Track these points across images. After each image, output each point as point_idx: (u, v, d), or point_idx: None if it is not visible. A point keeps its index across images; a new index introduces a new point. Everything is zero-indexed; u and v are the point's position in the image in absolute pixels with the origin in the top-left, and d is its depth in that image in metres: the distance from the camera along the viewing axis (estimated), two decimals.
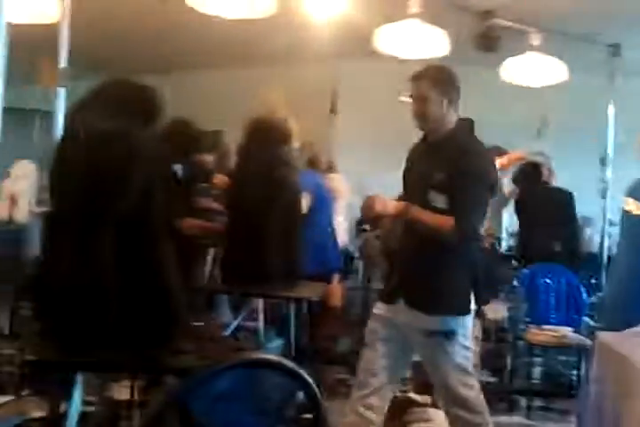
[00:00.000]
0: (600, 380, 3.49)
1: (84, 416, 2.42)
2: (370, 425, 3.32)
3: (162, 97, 2.64)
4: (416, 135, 9.81)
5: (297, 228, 4.36)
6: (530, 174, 6.54)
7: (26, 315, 3.29)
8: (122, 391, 4.28)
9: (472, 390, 3.30)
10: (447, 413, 3.40)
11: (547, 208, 6.24)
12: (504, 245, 7.71)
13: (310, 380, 1.87)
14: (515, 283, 6.51)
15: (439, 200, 3.13)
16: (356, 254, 9.90)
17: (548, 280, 5.48)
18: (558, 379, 5.81)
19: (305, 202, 5.06)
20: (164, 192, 2.33)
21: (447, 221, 3.07)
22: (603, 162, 6.66)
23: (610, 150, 6.66)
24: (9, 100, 3.60)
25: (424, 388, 5.35)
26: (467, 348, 3.30)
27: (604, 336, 3.65)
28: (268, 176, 4.08)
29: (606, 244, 6.85)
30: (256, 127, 4.18)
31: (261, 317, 4.93)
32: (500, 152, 6.70)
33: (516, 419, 4.81)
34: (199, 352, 2.30)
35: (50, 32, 5.40)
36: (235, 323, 4.56)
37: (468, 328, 3.33)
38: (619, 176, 6.79)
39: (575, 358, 5.38)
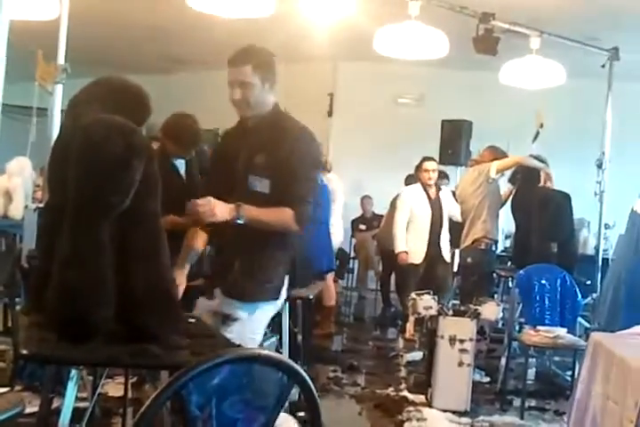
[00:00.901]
0: (589, 380, 3.51)
1: (76, 412, 2.42)
2: None
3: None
4: (414, 135, 9.77)
5: None
6: (527, 175, 6.56)
7: (20, 310, 3.29)
8: (115, 388, 4.30)
9: None
10: None
11: (544, 209, 6.25)
12: (500, 247, 7.73)
13: (307, 376, 1.88)
14: (510, 284, 6.55)
15: (260, 185, 3.00)
16: (352, 254, 9.94)
17: (543, 281, 5.49)
18: (552, 380, 5.83)
19: None
20: (161, 189, 2.33)
21: (286, 214, 2.94)
22: (599, 165, 6.68)
23: (607, 154, 6.68)
24: (5, 96, 3.60)
25: (418, 387, 5.38)
26: (251, 338, 3.12)
27: (598, 337, 3.67)
28: None
29: (602, 246, 6.88)
30: None
31: None
32: (498, 153, 6.72)
33: (510, 419, 4.82)
34: (193, 348, 2.30)
35: (48, 29, 5.40)
36: None
37: (260, 315, 3.16)
38: (615, 179, 6.83)
39: (569, 359, 5.39)
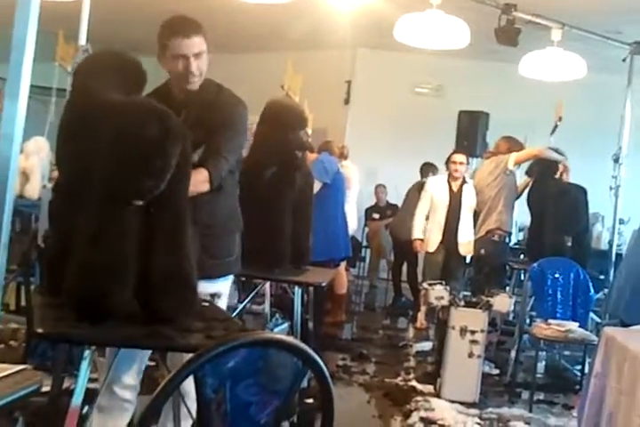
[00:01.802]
0: (603, 374, 3.50)
1: (87, 393, 2.43)
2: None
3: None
4: (431, 125, 9.74)
5: (308, 212, 4.37)
6: (544, 168, 6.53)
7: (35, 289, 3.30)
8: None
9: None
10: None
11: (560, 203, 6.22)
12: (513, 239, 7.71)
13: (321, 362, 1.88)
14: (522, 276, 6.54)
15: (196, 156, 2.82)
16: (365, 243, 9.94)
17: (556, 275, 5.47)
18: (562, 373, 5.82)
19: (316, 186, 5.06)
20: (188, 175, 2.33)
21: (197, 177, 2.73)
22: (616, 160, 6.65)
23: (624, 148, 6.65)
24: None
25: (427, 377, 5.39)
26: None
27: (611, 332, 3.66)
28: (282, 159, 4.08)
29: (615, 241, 6.86)
30: (272, 110, 4.16)
31: (268, 300, 4.95)
32: (513, 143, 6.69)
33: (518, 412, 4.81)
34: (207, 331, 2.31)
35: (68, 10, 5.41)
36: (241, 306, 4.57)
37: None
38: (631, 174, 6.80)
39: (580, 354, 5.38)
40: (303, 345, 1.88)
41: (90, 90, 2.37)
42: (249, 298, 4.63)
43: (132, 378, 2.95)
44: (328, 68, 10.39)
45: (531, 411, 4.85)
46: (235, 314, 4.25)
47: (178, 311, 2.31)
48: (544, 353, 5.89)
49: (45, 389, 2.88)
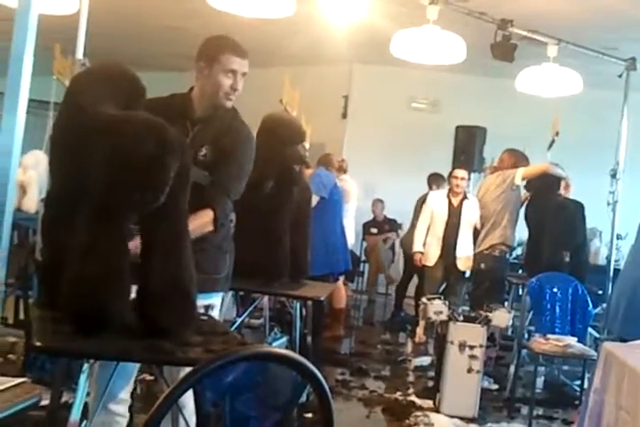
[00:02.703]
0: (602, 390, 3.49)
1: (85, 407, 2.42)
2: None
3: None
4: (428, 140, 9.78)
5: (306, 227, 4.36)
6: (542, 183, 6.54)
7: (33, 302, 3.29)
8: None
9: None
10: None
11: (557, 218, 6.23)
12: (512, 254, 7.71)
13: (321, 376, 1.87)
14: (521, 291, 6.52)
15: (200, 176, 2.86)
16: (363, 258, 9.93)
17: (554, 290, 5.47)
18: (561, 388, 5.80)
19: (313, 201, 5.07)
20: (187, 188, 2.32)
21: (204, 219, 2.83)
22: (613, 175, 6.66)
23: (621, 164, 6.66)
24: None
25: (426, 392, 5.37)
26: None
27: (610, 347, 3.65)
28: (280, 173, 4.08)
29: (613, 256, 6.85)
30: (270, 124, 4.17)
31: (266, 314, 4.94)
32: (519, 156, 6.69)
33: None
34: (206, 345, 2.29)
35: (65, 24, 5.42)
36: (239, 320, 4.56)
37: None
38: (628, 190, 6.81)
39: (579, 369, 5.37)
40: (303, 359, 1.86)
41: (83, 103, 2.35)
42: (247, 312, 4.62)
43: (126, 393, 2.96)
44: (325, 82, 10.42)
45: (530, 426, 4.83)
46: (233, 328, 4.24)
47: (178, 323, 2.30)
48: (543, 368, 5.88)
49: (44, 402, 2.88)
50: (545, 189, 6.46)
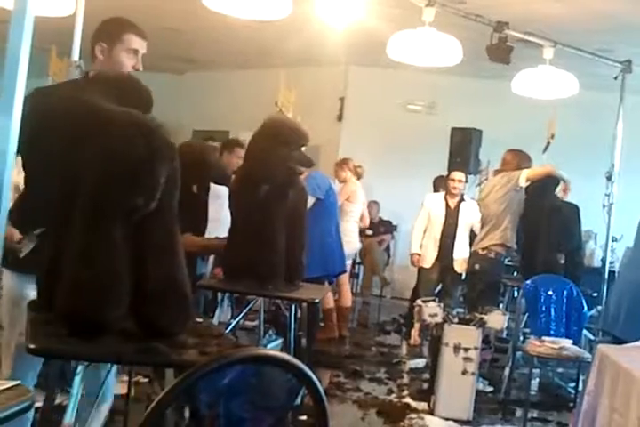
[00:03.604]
0: (596, 392, 3.49)
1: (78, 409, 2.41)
2: None
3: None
4: (424, 142, 9.75)
5: (302, 229, 4.36)
6: (538, 185, 6.53)
7: (28, 305, 3.28)
8: (119, 386, 4.29)
9: None
10: None
11: (552, 220, 6.23)
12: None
13: (316, 379, 1.86)
14: (515, 293, 6.53)
15: None
16: (358, 260, 9.93)
17: (549, 292, 5.48)
18: (556, 391, 5.81)
19: (310, 202, 5.07)
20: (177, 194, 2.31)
21: None
22: (609, 177, 6.66)
23: (617, 166, 6.67)
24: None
25: (421, 394, 5.37)
26: None
27: (605, 349, 3.65)
28: (281, 176, 4.07)
29: (608, 259, 6.86)
30: (273, 128, 4.14)
31: (261, 316, 4.94)
32: (522, 156, 6.68)
33: None
34: (201, 347, 2.29)
35: (61, 26, 5.41)
36: (234, 322, 4.56)
37: None
38: (624, 192, 6.81)
39: (573, 371, 5.38)
40: (297, 362, 1.86)
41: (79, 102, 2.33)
42: (242, 314, 4.62)
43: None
44: (321, 84, 10.42)
45: None
46: (228, 330, 4.24)
47: (174, 325, 2.30)
48: (538, 370, 5.88)
49: (37, 404, 2.87)
50: (540, 191, 6.45)
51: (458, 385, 4.92)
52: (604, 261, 6.86)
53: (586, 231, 7.37)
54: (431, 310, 5.13)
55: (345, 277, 7.24)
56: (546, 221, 6.25)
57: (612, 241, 7.07)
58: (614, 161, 6.69)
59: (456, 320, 5.06)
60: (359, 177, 7.79)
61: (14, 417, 1.71)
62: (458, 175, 7.16)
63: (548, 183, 6.44)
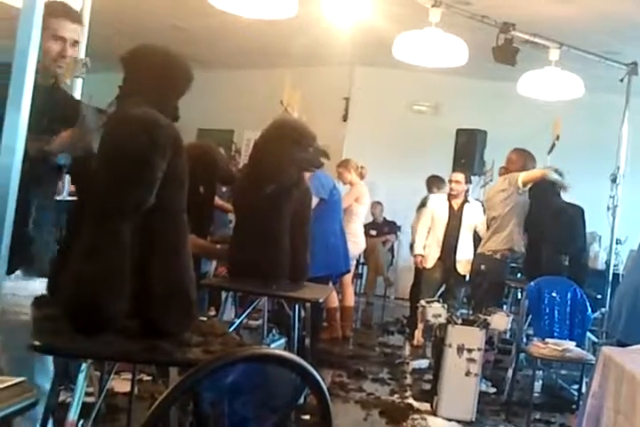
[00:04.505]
0: (600, 394, 3.48)
1: (83, 407, 2.42)
2: None
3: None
4: (429, 143, 9.74)
5: (306, 228, 4.35)
6: (542, 187, 6.52)
7: (33, 301, 3.29)
8: (121, 384, 4.30)
9: None
10: None
11: (557, 222, 6.21)
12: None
13: (320, 378, 1.86)
14: (519, 295, 6.52)
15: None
16: (362, 260, 9.92)
17: (553, 294, 5.47)
18: (559, 393, 5.81)
19: (313, 203, 5.06)
20: (183, 188, 2.31)
21: None
22: (614, 179, 6.66)
23: (622, 168, 6.66)
24: None
25: (424, 395, 5.36)
26: None
27: (608, 351, 3.64)
28: (288, 176, 4.07)
29: (612, 261, 6.85)
30: (282, 129, 4.14)
31: (265, 316, 4.93)
32: (527, 156, 6.65)
33: None
34: (205, 346, 2.29)
35: None
36: (238, 321, 4.56)
37: None
38: (628, 194, 6.80)
39: (577, 373, 5.37)
40: (302, 361, 1.86)
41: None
42: (246, 313, 4.62)
43: None
44: (326, 84, 10.42)
45: None
46: (232, 329, 4.24)
47: (178, 324, 2.30)
48: (541, 372, 5.88)
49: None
50: (543, 193, 6.44)
51: (461, 386, 4.91)
52: (608, 263, 6.86)
53: (590, 233, 7.36)
54: (435, 310, 5.13)
55: (349, 278, 7.25)
56: (550, 223, 6.24)
57: (617, 243, 7.07)
58: (619, 163, 6.69)
59: (460, 321, 5.06)
60: (362, 178, 7.79)
61: (17, 414, 1.71)
62: (455, 176, 7.16)
63: (550, 185, 6.43)
